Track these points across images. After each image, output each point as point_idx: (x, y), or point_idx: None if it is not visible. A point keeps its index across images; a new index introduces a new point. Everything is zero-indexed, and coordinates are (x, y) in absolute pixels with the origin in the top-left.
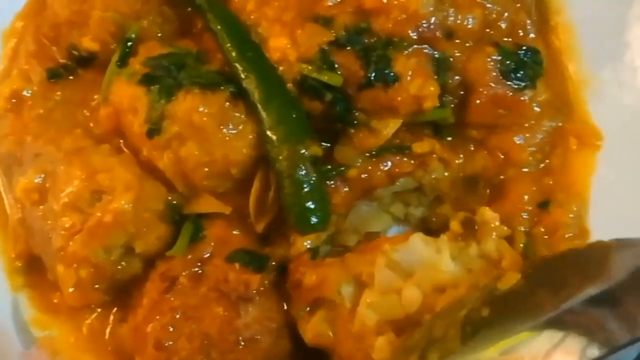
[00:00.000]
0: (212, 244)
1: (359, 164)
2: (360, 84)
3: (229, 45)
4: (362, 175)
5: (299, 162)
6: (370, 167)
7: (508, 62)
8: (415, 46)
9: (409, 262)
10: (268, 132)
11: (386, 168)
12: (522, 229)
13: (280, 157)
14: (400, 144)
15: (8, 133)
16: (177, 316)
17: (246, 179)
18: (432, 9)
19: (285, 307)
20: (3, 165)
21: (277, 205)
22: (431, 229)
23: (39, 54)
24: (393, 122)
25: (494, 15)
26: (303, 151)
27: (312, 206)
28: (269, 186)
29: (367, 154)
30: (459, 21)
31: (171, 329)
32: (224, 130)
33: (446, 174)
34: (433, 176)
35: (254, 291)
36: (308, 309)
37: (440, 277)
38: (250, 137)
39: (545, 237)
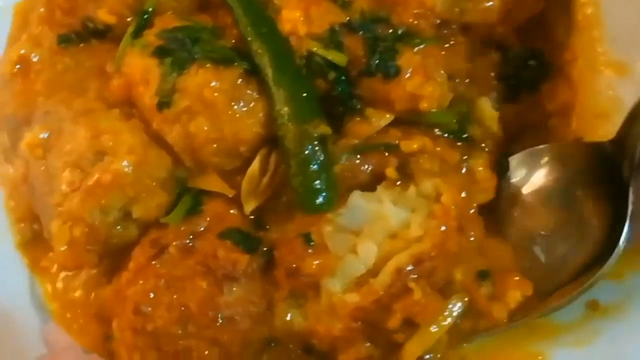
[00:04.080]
0: (208, 219)
1: (343, 161)
2: (361, 71)
3: (244, 20)
4: (346, 173)
5: (306, 140)
6: (354, 165)
7: (511, 66)
8: (428, 44)
9: (355, 221)
10: (277, 110)
11: (370, 167)
12: None
13: (288, 135)
14: (389, 141)
15: (14, 96)
16: (160, 284)
17: (254, 158)
18: (450, 3)
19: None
20: (9, 128)
21: (271, 189)
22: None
23: (51, 20)
24: (386, 115)
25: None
26: (311, 130)
27: (319, 186)
28: (267, 169)
29: (353, 151)
30: (477, 13)
31: (152, 296)
32: (235, 107)
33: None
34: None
35: (241, 271)
36: (294, 300)
37: (387, 225)
38: (261, 115)
39: None
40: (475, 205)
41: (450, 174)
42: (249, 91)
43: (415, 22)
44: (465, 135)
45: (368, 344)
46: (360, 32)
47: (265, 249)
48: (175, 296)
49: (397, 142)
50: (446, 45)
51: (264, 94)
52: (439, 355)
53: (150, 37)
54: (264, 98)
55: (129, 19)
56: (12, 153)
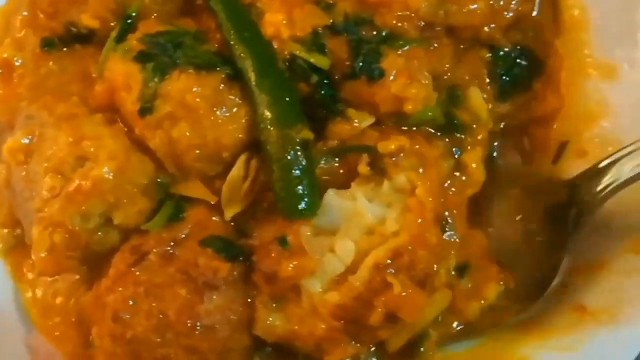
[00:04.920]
0: (190, 226)
1: (322, 164)
2: (344, 73)
3: (227, 24)
4: (324, 177)
5: (288, 145)
6: (332, 168)
7: (502, 64)
8: (412, 46)
9: (331, 220)
10: (260, 114)
11: (347, 168)
12: None
13: (271, 140)
14: (366, 143)
15: None
16: (140, 291)
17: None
18: (434, 6)
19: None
20: None
21: (251, 195)
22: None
23: (34, 23)
24: (368, 117)
25: (501, 3)
26: (294, 135)
27: (301, 191)
28: (247, 175)
29: (330, 154)
30: (461, 15)
31: (131, 303)
32: (217, 112)
33: (420, 170)
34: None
35: (222, 279)
36: (274, 304)
37: (363, 221)
38: (244, 121)
39: None
40: (465, 197)
41: (429, 168)
42: (231, 96)
43: (399, 24)
44: (453, 128)
45: (353, 343)
46: (344, 35)
47: (245, 255)
48: (154, 304)
49: (374, 144)
50: (431, 48)
51: (247, 99)
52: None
53: (132, 41)
54: (246, 103)
55: (112, 24)
56: None
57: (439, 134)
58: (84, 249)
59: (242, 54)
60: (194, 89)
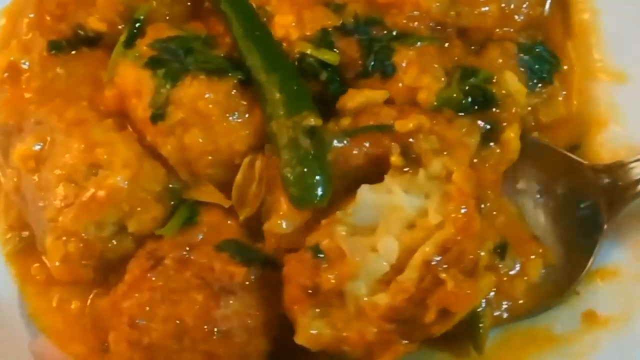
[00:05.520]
0: (205, 230)
1: (334, 145)
2: (357, 73)
3: (236, 22)
4: (339, 158)
5: (296, 132)
6: (345, 150)
7: (526, 56)
8: (424, 43)
9: (368, 217)
10: (269, 106)
11: (364, 149)
12: None
13: (279, 129)
14: (382, 122)
15: (4, 103)
16: (156, 297)
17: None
18: (445, 6)
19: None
20: None
21: (259, 198)
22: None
23: (41, 25)
24: (383, 92)
25: (512, 7)
26: (302, 121)
27: (311, 179)
28: (254, 177)
29: (343, 135)
30: (473, 17)
31: (147, 309)
32: (230, 118)
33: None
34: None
35: (238, 284)
36: (317, 310)
37: (403, 215)
38: (256, 126)
39: None
40: (500, 174)
41: (456, 149)
42: (243, 102)
43: (410, 24)
44: (486, 105)
45: (405, 342)
46: (355, 35)
47: (264, 258)
48: (171, 309)
49: (391, 122)
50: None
51: (258, 102)
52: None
53: (143, 47)
54: (258, 108)
55: (120, 27)
56: (4, 162)
57: (461, 114)
58: (98, 257)
59: (250, 50)
60: (206, 95)
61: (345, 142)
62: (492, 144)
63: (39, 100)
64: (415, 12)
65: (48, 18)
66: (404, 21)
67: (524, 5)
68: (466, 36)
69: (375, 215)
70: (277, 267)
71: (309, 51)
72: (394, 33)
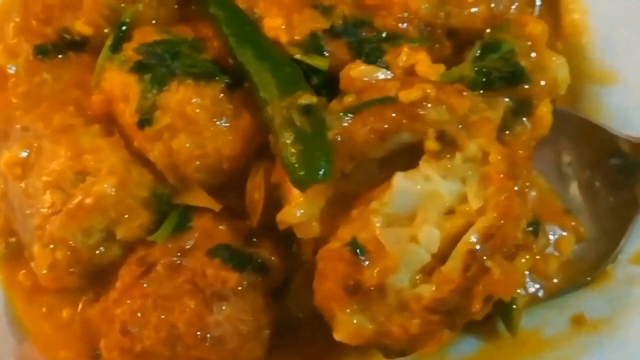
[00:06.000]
0: (196, 235)
1: (337, 124)
2: None
3: (226, 23)
4: (338, 137)
5: (291, 112)
6: (349, 127)
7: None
8: (414, 45)
9: (405, 206)
10: (261, 94)
11: (369, 125)
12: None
13: (273, 112)
14: (385, 95)
15: None
16: (148, 303)
17: (239, 174)
18: (434, 7)
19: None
20: None
21: (260, 204)
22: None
23: (27, 29)
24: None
25: (501, 7)
26: (296, 101)
27: (309, 156)
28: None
29: (345, 112)
30: (462, 18)
31: (139, 315)
32: (217, 123)
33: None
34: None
35: (231, 289)
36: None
37: (442, 202)
38: (244, 131)
39: None
40: (531, 150)
41: (478, 123)
42: (230, 106)
43: (400, 25)
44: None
45: (448, 331)
46: (344, 37)
47: (258, 262)
48: (163, 316)
49: (395, 93)
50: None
51: (247, 108)
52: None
53: (129, 51)
54: (246, 112)
55: (106, 31)
56: None
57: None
58: (86, 264)
59: (241, 44)
60: (193, 100)
61: (347, 119)
62: (524, 118)
63: (26, 106)
64: (404, 14)
65: (34, 22)
66: (393, 23)
67: (513, 6)
68: (455, 37)
69: (412, 203)
70: (269, 271)
71: (298, 56)
72: (384, 35)
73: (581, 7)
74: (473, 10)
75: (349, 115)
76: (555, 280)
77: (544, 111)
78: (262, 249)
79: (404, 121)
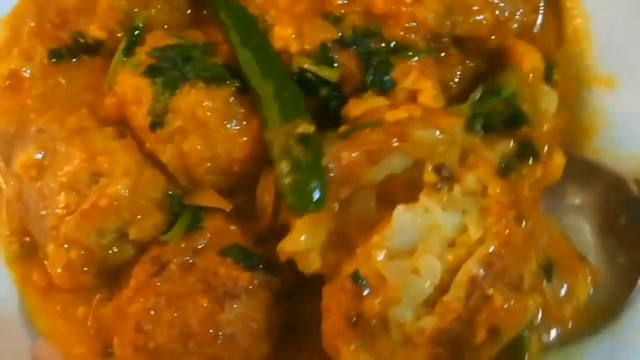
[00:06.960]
0: (208, 235)
1: (329, 151)
2: (356, 88)
3: (233, 32)
4: (330, 164)
5: (288, 140)
6: (339, 149)
7: None
8: (421, 56)
9: (406, 239)
10: (263, 113)
11: (357, 147)
12: None
13: (272, 138)
14: (373, 118)
15: (5, 111)
16: (161, 302)
17: (250, 176)
18: (441, 17)
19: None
20: (1, 144)
21: (269, 208)
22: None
23: (42, 33)
24: (383, 100)
25: (506, 14)
26: (294, 129)
27: (304, 186)
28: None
29: (338, 139)
30: (468, 26)
31: (153, 314)
32: (228, 125)
33: (441, 136)
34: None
35: (242, 288)
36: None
37: (443, 233)
38: (254, 134)
39: None
40: (541, 190)
41: (480, 160)
42: (241, 109)
43: (407, 35)
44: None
45: None
46: (353, 48)
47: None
48: (176, 314)
49: (382, 116)
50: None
51: (257, 112)
52: None
53: (142, 55)
54: (256, 116)
55: (119, 35)
56: (6, 170)
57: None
58: (99, 264)
59: (247, 59)
60: (205, 103)
61: (339, 145)
62: (530, 161)
63: (40, 108)
64: (412, 23)
65: (48, 26)
66: (401, 33)
67: (518, 13)
68: (461, 45)
69: (414, 235)
70: (279, 271)
71: (307, 66)
72: (392, 45)
73: (583, 12)
74: (479, 18)
75: (340, 141)
76: (570, 326)
77: (557, 162)
78: (272, 250)
79: (394, 141)
